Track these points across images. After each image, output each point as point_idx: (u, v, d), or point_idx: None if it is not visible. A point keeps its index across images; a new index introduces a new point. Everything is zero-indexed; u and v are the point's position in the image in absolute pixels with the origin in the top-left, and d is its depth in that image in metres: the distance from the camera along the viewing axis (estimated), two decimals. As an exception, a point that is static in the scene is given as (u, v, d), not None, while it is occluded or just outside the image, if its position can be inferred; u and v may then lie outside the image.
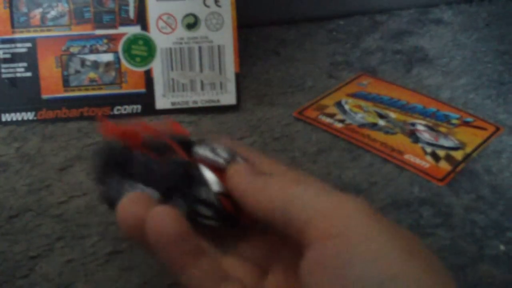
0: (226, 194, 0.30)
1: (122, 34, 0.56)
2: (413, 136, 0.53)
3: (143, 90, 0.56)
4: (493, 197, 0.46)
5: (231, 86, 0.57)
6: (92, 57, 0.56)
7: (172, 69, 0.56)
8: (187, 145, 0.31)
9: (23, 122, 0.55)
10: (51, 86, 0.55)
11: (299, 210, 0.26)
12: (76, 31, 0.55)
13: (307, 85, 0.62)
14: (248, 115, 0.57)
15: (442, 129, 0.54)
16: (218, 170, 0.31)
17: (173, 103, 0.56)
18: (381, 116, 0.56)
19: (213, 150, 0.31)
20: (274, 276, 0.29)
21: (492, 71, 0.63)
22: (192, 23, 0.56)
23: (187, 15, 0.56)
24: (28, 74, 0.55)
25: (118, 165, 0.31)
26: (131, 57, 0.56)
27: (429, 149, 0.51)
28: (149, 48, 0.56)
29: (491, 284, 0.39)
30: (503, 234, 0.43)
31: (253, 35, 0.71)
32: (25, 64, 0.55)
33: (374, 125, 0.55)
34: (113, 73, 0.56)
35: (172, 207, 0.27)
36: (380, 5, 0.76)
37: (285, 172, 0.31)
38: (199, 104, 0.57)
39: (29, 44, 0.55)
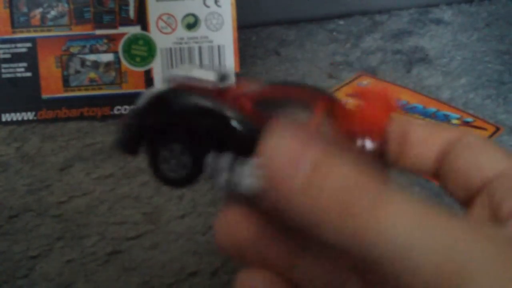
0: None
1: (122, 34, 0.56)
2: (413, 136, 0.53)
3: (143, 90, 0.56)
4: (493, 197, 0.46)
5: (231, 86, 0.57)
6: (92, 57, 0.56)
7: (172, 69, 0.56)
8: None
9: (23, 122, 0.55)
10: (51, 86, 0.55)
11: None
12: (76, 31, 0.55)
13: (307, 85, 0.61)
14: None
15: (442, 129, 0.54)
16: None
17: (173, 103, 0.56)
18: (381, 116, 0.56)
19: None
20: None
21: (492, 71, 0.63)
22: (192, 23, 0.56)
23: (187, 15, 0.56)
24: (28, 74, 0.55)
25: None
26: (131, 57, 0.56)
27: (429, 149, 0.51)
28: (149, 48, 0.56)
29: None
30: (503, 234, 0.43)
31: (253, 35, 0.71)
32: (25, 64, 0.55)
33: (374, 125, 0.54)
34: (113, 73, 0.56)
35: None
36: (380, 5, 0.76)
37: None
38: (199, 104, 0.57)
39: (29, 44, 0.55)
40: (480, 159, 0.23)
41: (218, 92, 0.24)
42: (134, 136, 0.25)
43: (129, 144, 0.25)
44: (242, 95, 0.24)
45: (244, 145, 0.23)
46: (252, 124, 0.23)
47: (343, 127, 0.24)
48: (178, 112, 0.24)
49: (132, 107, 0.25)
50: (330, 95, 0.25)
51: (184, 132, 0.24)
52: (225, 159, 0.24)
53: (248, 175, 0.23)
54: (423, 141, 0.24)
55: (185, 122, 0.24)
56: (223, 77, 0.25)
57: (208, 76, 0.24)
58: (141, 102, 0.24)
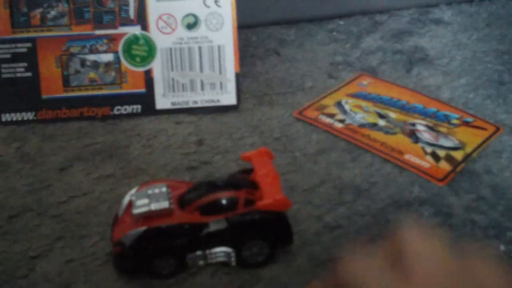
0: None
1: (122, 34, 0.56)
2: (413, 136, 0.53)
3: (143, 90, 0.56)
4: (493, 197, 0.46)
5: (231, 86, 0.57)
6: (92, 57, 0.56)
7: (172, 69, 0.56)
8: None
9: (23, 122, 0.55)
10: (51, 86, 0.55)
11: None
12: (76, 31, 0.55)
13: (307, 85, 0.62)
14: (248, 115, 0.57)
15: (442, 129, 0.54)
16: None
17: (173, 103, 0.56)
18: (381, 116, 0.56)
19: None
20: None
21: (492, 71, 0.63)
22: (192, 23, 0.56)
23: (187, 15, 0.56)
24: (28, 74, 0.55)
25: None
26: (131, 57, 0.56)
27: (429, 149, 0.51)
28: (149, 48, 0.56)
29: (491, 284, 0.39)
30: (503, 234, 0.43)
31: (253, 35, 0.71)
32: (25, 64, 0.55)
33: (374, 125, 0.55)
34: (113, 73, 0.56)
35: None
36: (380, 5, 0.76)
37: None
38: (199, 104, 0.57)
39: (29, 44, 0.55)
40: None
41: (174, 213, 0.38)
42: (133, 262, 0.39)
43: (130, 268, 0.39)
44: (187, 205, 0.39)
45: (207, 241, 0.38)
46: (203, 226, 0.38)
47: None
48: (160, 241, 0.38)
49: (123, 244, 0.38)
50: (247, 185, 0.40)
51: (168, 247, 0.38)
52: (199, 255, 0.39)
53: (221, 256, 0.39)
54: None
55: (168, 243, 0.38)
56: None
57: (162, 205, 0.38)
58: (129, 240, 0.37)
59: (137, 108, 0.56)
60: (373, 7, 0.76)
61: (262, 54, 0.67)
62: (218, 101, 0.57)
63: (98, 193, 0.47)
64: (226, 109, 0.57)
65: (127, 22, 0.56)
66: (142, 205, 0.38)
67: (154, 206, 0.38)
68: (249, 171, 0.42)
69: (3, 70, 0.55)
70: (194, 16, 0.56)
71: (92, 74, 0.56)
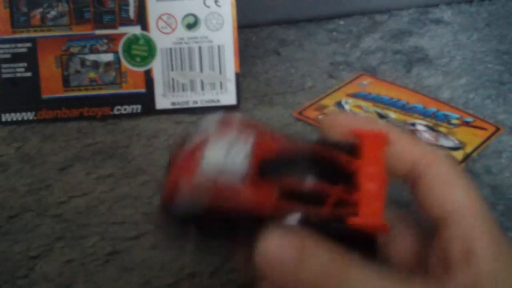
0: None
1: (122, 34, 0.56)
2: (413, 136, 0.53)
3: (143, 90, 0.56)
4: (493, 197, 0.46)
5: (231, 86, 0.57)
6: (92, 57, 0.56)
7: (172, 69, 0.56)
8: None
9: (23, 122, 0.55)
10: (51, 86, 0.55)
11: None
12: (76, 31, 0.55)
13: (307, 85, 0.62)
14: (248, 115, 0.57)
15: (442, 129, 0.54)
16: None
17: (173, 103, 0.56)
18: (381, 116, 0.56)
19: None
20: None
21: (492, 71, 0.63)
22: (192, 23, 0.56)
23: (187, 15, 0.56)
24: (28, 74, 0.55)
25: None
26: (131, 57, 0.56)
27: (429, 149, 0.51)
28: (149, 48, 0.56)
29: (491, 284, 0.39)
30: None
31: (253, 35, 0.71)
32: (25, 64, 0.55)
33: (374, 125, 0.54)
34: (113, 73, 0.56)
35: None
36: (380, 5, 0.76)
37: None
38: (199, 104, 0.57)
39: (29, 44, 0.55)
40: (442, 196, 0.28)
41: (245, 189, 0.28)
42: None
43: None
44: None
45: None
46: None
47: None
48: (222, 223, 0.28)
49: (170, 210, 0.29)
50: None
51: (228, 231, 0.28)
52: None
53: None
54: (399, 154, 0.30)
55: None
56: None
57: (231, 181, 0.27)
58: (179, 210, 0.28)
59: (137, 108, 0.56)
60: (373, 7, 0.76)
61: (262, 54, 0.67)
62: (218, 101, 0.57)
63: (98, 193, 0.47)
64: (226, 109, 0.57)
65: (127, 22, 0.56)
66: (214, 163, 0.28)
67: (224, 179, 0.27)
68: (347, 146, 0.30)
69: (3, 70, 0.55)
70: (194, 16, 0.56)
71: (92, 74, 0.56)
